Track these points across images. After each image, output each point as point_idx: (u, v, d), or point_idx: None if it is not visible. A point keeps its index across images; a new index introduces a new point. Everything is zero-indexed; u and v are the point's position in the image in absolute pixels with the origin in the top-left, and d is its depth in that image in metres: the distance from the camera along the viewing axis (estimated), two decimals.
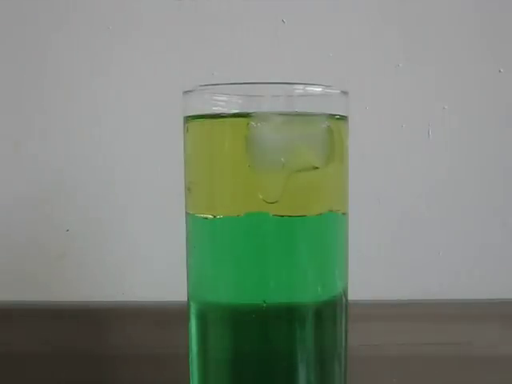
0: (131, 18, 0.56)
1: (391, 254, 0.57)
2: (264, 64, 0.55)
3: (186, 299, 0.37)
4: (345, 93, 0.36)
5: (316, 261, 0.35)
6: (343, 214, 0.36)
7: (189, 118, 0.35)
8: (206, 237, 0.35)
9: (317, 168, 0.34)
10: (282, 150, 0.33)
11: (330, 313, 0.35)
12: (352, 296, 0.37)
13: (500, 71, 0.56)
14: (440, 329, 0.54)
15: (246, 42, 0.55)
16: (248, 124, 0.33)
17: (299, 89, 0.34)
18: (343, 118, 0.35)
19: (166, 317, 0.53)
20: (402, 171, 0.56)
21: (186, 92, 0.35)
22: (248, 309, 0.34)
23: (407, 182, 0.56)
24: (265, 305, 0.33)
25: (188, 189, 0.36)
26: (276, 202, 0.33)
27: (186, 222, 0.36)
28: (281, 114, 0.33)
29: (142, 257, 0.57)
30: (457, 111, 0.56)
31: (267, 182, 0.33)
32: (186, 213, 0.36)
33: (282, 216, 0.33)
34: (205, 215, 0.35)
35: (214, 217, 0.34)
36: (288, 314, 0.34)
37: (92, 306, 0.55)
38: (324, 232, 0.35)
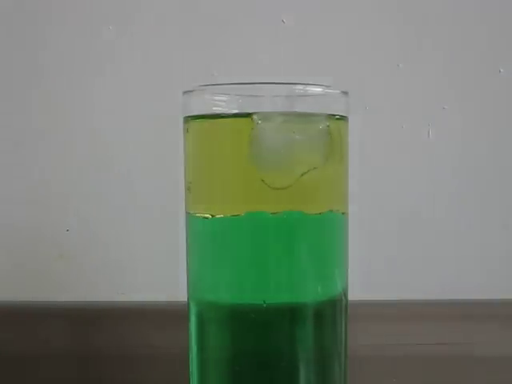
0: (131, 18, 0.56)
1: (391, 254, 0.57)
2: (264, 64, 0.55)
3: (186, 299, 0.37)
4: (345, 93, 0.36)
5: (316, 261, 0.35)
6: (343, 213, 0.36)
7: (189, 118, 0.35)
8: (205, 237, 0.35)
9: (317, 168, 0.34)
10: (282, 150, 0.33)
11: (329, 313, 0.35)
12: (352, 296, 0.37)
13: (500, 71, 0.56)
14: (440, 329, 0.54)
15: (246, 41, 0.55)
16: (250, 123, 0.33)
17: (299, 89, 0.34)
18: (343, 118, 0.35)
19: (165, 317, 0.53)
20: (402, 171, 0.56)
21: (186, 92, 0.35)
22: (248, 309, 0.34)
23: (407, 182, 0.56)
24: (265, 305, 0.33)
25: (188, 189, 0.36)
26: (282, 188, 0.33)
27: (186, 222, 0.36)
28: (281, 113, 0.33)
29: (141, 257, 0.57)
30: (457, 111, 0.56)
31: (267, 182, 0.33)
32: (186, 213, 0.36)
33: (282, 215, 0.33)
34: (204, 215, 0.35)
35: (214, 216, 0.34)
36: (288, 314, 0.34)
37: (91, 306, 0.55)
38: (324, 232, 0.35)
